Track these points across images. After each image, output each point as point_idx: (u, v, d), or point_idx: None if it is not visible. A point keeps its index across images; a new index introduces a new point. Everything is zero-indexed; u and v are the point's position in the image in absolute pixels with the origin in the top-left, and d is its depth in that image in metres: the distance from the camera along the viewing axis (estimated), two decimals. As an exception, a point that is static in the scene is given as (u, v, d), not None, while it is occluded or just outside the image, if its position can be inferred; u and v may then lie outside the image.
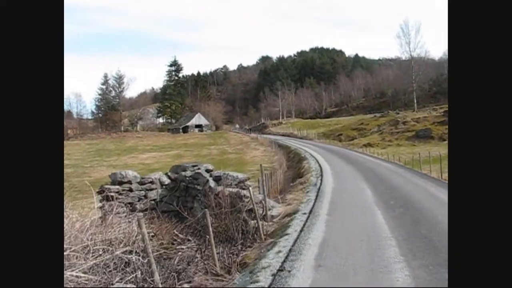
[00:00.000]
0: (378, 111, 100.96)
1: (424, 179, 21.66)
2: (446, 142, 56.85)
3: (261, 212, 12.50)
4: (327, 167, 29.18)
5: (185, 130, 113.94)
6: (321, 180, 21.80)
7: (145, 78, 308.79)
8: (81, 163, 57.69)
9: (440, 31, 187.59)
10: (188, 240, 11.80)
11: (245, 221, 11.56)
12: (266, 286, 7.33)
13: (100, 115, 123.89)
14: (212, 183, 14.63)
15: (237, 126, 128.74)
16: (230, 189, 13.47)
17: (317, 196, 16.54)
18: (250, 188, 12.84)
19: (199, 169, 16.39)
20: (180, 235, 12.01)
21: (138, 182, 16.32)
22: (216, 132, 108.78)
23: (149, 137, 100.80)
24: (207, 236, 9.58)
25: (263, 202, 12.93)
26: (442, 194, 15.39)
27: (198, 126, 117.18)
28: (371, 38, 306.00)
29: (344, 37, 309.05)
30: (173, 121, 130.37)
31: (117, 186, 15.81)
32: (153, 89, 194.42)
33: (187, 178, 16.24)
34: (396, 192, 17.02)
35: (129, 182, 16.06)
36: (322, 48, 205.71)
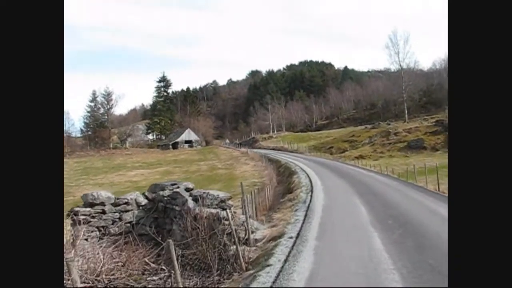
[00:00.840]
0: (369, 123, 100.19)
1: (422, 193, 20.32)
2: (439, 152, 56.21)
3: (243, 235, 11.20)
4: (318, 181, 27.84)
5: (175, 146, 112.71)
6: (311, 196, 20.35)
7: (135, 94, 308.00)
8: (67, 182, 55.96)
9: (428, 42, 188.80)
10: (162, 269, 10.45)
11: (225, 246, 10.27)
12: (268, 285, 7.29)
13: (89, 132, 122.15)
14: (191, 203, 13.31)
15: (227, 141, 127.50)
16: (210, 210, 12.18)
17: (305, 215, 15.06)
18: (228, 210, 11.57)
19: (178, 187, 15.11)
20: (152, 264, 10.64)
21: (112, 204, 14.99)
22: (206, 148, 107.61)
23: (138, 154, 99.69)
24: (172, 272, 8.28)
25: (245, 224, 11.57)
26: (444, 210, 13.99)
27: (188, 142, 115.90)
28: (360, 51, 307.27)
29: (333, 50, 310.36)
30: (163, 137, 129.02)
31: (89, 209, 14.48)
32: (143, 105, 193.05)
33: (165, 198, 14.95)
34: (393, 210, 15.50)
35: (102, 203, 14.73)
36: (311, 61, 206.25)
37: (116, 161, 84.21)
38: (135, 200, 15.48)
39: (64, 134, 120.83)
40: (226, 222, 10.97)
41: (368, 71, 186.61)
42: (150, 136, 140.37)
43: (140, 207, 15.47)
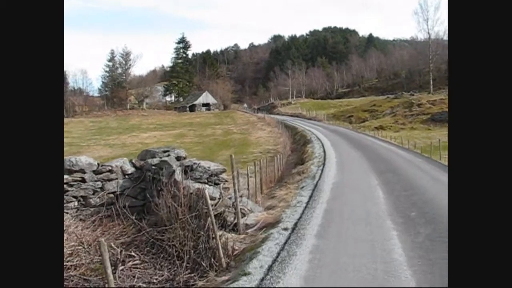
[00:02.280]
0: (391, 93, 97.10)
1: (450, 174, 17.03)
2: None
3: (232, 219, 9.25)
4: (332, 153, 25.64)
5: (192, 108, 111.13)
6: (322, 171, 18.14)
7: (156, 56, 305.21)
8: (78, 141, 55.10)
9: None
10: (131, 256, 8.63)
11: (208, 233, 8.35)
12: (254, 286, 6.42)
13: (107, 92, 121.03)
14: (178, 175, 11.35)
15: (246, 105, 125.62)
16: (196, 185, 10.24)
17: (311, 196, 12.74)
18: (213, 187, 9.54)
19: (169, 155, 13.23)
20: (118, 249, 8.75)
21: (93, 171, 13.18)
22: (224, 112, 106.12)
23: (154, 115, 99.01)
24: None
25: (235, 206, 9.52)
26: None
27: (206, 105, 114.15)
28: (386, 19, 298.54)
29: (358, 16, 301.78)
30: (181, 99, 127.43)
31: (66, 176, 12.72)
32: (163, 66, 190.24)
33: (153, 167, 13.07)
34: (417, 196, 12.70)
35: (82, 170, 12.93)
36: (335, 28, 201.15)
37: (131, 122, 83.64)
38: (121, 168, 13.62)
39: (83, 93, 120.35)
40: (212, 202, 9.07)
41: (393, 40, 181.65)
42: (168, 98, 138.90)
43: (126, 176, 13.61)
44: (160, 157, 13.47)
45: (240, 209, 9.56)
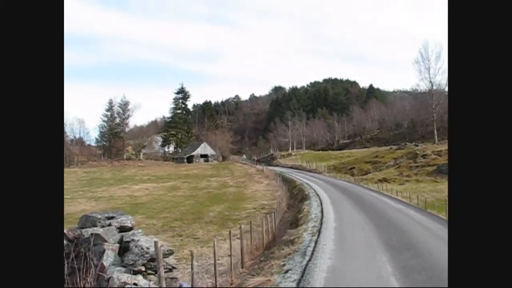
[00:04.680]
0: (394, 143, 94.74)
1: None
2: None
3: None
4: (331, 214, 22.01)
5: (190, 160, 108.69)
6: (316, 243, 14.28)
7: (157, 107, 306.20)
8: (65, 193, 51.73)
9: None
10: None
11: None
12: None
13: (104, 142, 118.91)
14: (108, 258, 8.04)
15: (244, 156, 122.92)
16: (126, 277, 6.89)
17: None
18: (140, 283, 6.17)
19: (110, 225, 9.93)
20: None
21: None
22: (222, 163, 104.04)
23: (151, 166, 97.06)
24: None
25: None
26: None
27: (204, 156, 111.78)
28: (385, 72, 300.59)
29: (358, 69, 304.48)
30: (179, 150, 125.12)
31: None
32: (163, 117, 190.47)
33: (85, 241, 9.72)
34: None
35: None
36: (335, 79, 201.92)
37: (125, 173, 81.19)
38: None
39: (85, 143, 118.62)
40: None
41: (394, 91, 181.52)
42: (166, 149, 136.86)
43: (55, 252, 10.34)
44: (102, 226, 10.17)
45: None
